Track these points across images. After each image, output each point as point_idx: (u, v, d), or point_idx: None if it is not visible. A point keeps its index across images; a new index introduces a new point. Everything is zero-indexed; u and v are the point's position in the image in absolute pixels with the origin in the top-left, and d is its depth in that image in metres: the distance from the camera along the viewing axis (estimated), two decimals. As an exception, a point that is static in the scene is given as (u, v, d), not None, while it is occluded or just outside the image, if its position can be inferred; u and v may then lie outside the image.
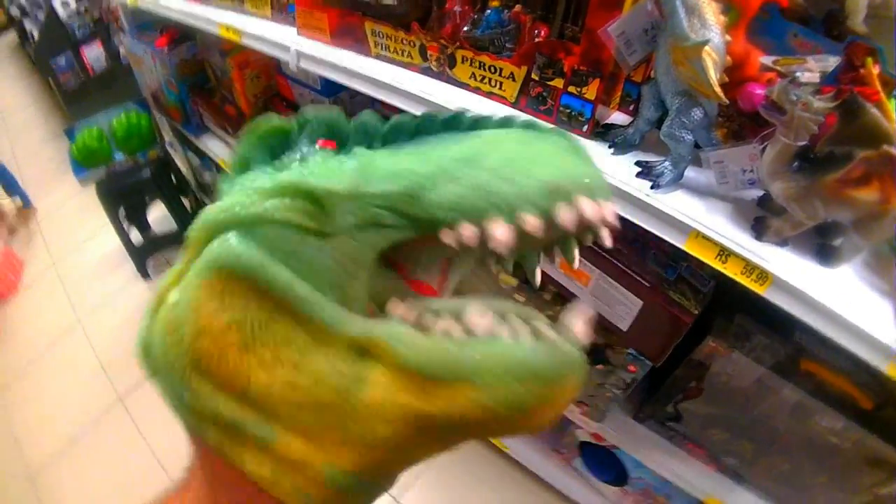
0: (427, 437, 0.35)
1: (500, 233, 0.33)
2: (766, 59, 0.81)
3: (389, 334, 0.34)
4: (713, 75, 0.72)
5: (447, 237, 0.34)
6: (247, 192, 0.36)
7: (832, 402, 0.93)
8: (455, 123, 0.40)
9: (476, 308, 0.36)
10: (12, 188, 3.53)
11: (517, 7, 0.91)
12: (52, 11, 3.47)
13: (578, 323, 0.36)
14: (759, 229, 0.77)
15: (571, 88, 0.87)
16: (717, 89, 0.73)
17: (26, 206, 3.56)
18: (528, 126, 0.39)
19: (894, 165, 0.64)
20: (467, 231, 0.34)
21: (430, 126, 0.40)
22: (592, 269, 1.05)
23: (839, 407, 0.93)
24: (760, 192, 0.82)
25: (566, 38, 0.90)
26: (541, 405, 0.34)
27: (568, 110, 0.89)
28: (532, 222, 0.34)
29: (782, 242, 0.77)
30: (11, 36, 6.13)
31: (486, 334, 0.34)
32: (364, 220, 0.35)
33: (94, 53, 3.65)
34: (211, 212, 0.36)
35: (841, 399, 0.93)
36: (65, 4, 3.44)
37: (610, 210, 0.37)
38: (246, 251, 0.34)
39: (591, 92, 0.86)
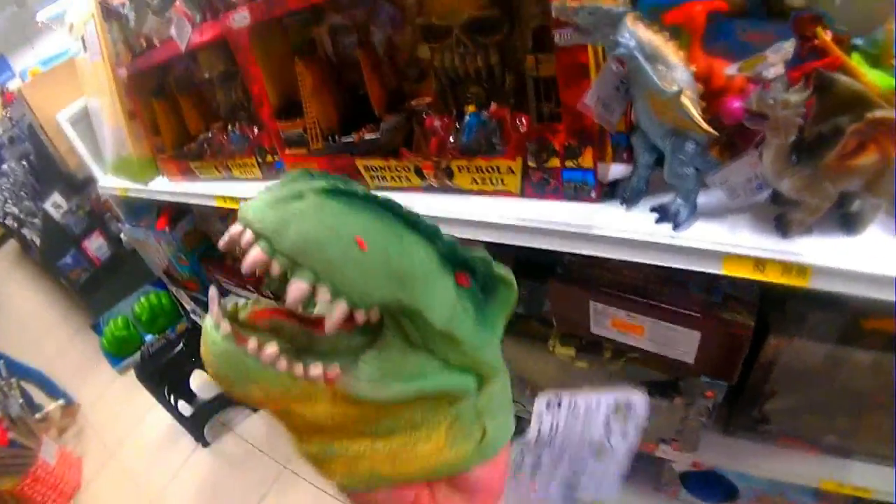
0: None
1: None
2: (731, 70, 0.82)
3: None
4: (697, 115, 0.74)
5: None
6: None
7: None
8: None
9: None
10: (53, 392, 3.59)
11: (493, 105, 0.96)
12: (46, 216, 3.60)
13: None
14: (782, 228, 0.78)
15: (568, 163, 0.90)
16: (706, 126, 0.75)
17: (69, 404, 3.61)
18: None
19: (883, 125, 0.65)
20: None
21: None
22: (643, 318, 1.07)
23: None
24: (770, 191, 0.82)
25: (545, 117, 0.94)
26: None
27: (572, 184, 0.92)
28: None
29: (807, 231, 0.77)
30: (12, 245, 6.28)
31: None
32: None
33: (95, 244, 3.76)
34: None
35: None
36: (57, 206, 3.57)
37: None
38: None
39: (587, 160, 0.89)
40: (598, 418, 0.74)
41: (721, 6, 0.82)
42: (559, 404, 0.74)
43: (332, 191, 0.42)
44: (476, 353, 0.50)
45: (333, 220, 0.40)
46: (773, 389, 1.13)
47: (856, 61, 0.73)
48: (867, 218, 0.75)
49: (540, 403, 0.75)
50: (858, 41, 0.76)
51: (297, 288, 0.38)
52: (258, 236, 0.39)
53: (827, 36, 0.72)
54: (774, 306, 1.03)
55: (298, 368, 0.43)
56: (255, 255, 0.38)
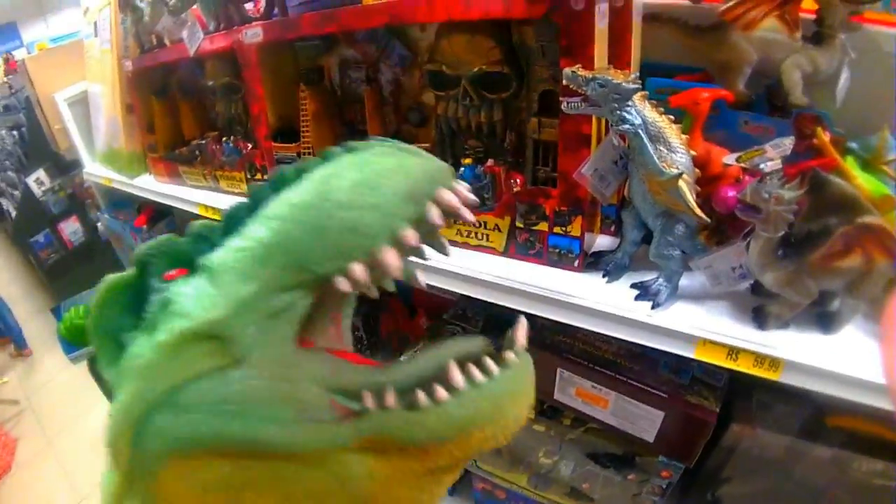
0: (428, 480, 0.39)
1: (392, 259, 0.34)
2: (729, 159, 0.84)
3: (393, 426, 0.36)
4: (691, 199, 0.75)
5: (343, 284, 0.34)
6: (137, 372, 0.37)
7: (868, 450, 0.93)
8: (282, 183, 0.38)
9: (452, 369, 0.38)
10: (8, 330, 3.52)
11: (489, 161, 0.96)
12: (27, 190, 3.53)
13: (520, 334, 0.43)
14: (760, 320, 0.79)
15: (557, 229, 0.90)
16: (699, 212, 0.76)
17: (21, 347, 3.52)
18: (348, 151, 0.38)
19: (871, 231, 0.67)
20: (358, 271, 0.34)
21: (260, 194, 0.39)
22: (609, 392, 1.05)
23: (876, 451, 0.92)
24: (751, 281, 0.83)
25: (539, 181, 0.94)
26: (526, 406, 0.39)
27: (557, 250, 0.92)
28: (411, 236, 0.35)
29: (784, 325, 0.78)
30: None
31: (462, 387, 0.37)
32: (262, 319, 0.35)
33: (71, 228, 3.70)
34: (119, 412, 0.38)
35: (877, 443, 0.92)
36: (39, 183, 3.51)
37: (463, 188, 0.39)
38: (185, 427, 0.35)
39: (575, 229, 0.89)
40: None
41: (727, 96, 0.85)
42: None
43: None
44: None
45: None
46: (729, 475, 1.12)
47: (849, 164, 0.75)
48: (845, 318, 0.77)
49: None
50: (853, 144, 0.78)
51: None
52: None
53: (826, 137, 0.74)
54: (741, 393, 1.04)
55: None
56: None
